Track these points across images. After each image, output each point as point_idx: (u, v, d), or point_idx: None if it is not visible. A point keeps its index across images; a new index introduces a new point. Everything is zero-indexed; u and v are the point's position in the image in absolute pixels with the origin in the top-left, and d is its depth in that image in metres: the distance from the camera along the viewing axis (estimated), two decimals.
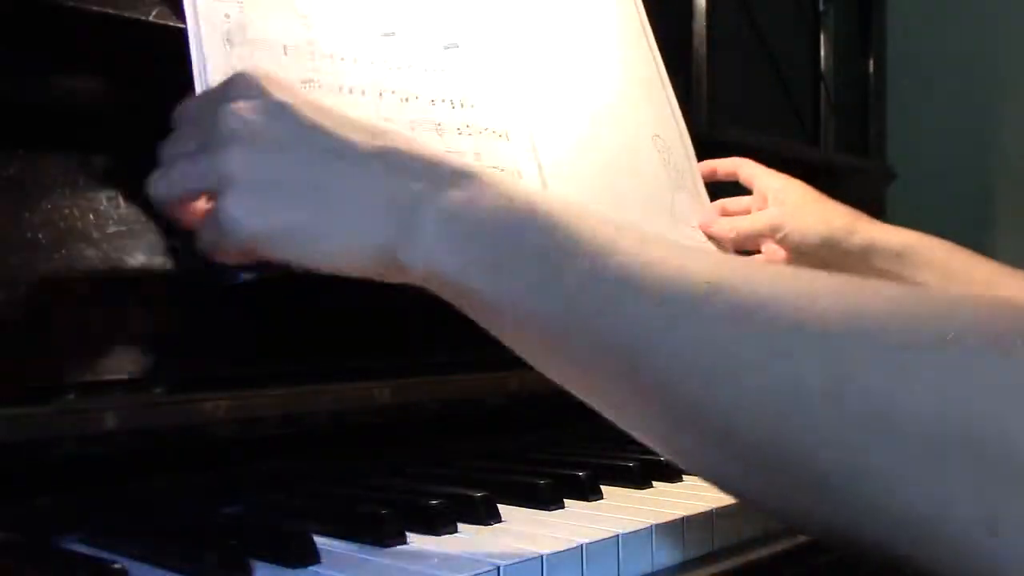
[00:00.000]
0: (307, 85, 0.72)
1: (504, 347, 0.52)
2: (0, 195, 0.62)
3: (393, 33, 0.78)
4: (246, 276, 0.60)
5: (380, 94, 0.76)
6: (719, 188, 1.03)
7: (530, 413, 0.83)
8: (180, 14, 0.69)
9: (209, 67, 0.68)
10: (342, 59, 0.75)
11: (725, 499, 0.64)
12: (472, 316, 0.53)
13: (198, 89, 0.66)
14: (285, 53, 0.72)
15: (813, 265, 0.82)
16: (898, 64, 1.73)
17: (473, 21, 0.86)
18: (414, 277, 0.53)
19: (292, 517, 0.61)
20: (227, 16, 0.70)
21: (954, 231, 1.84)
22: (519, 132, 0.85)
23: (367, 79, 0.75)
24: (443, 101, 0.80)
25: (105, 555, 0.53)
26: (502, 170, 0.82)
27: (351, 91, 0.74)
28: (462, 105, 0.81)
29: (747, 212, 1.06)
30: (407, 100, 0.77)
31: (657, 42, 1.03)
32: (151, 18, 0.70)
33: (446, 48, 0.82)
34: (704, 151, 1.02)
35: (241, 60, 0.69)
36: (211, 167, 0.54)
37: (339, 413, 0.70)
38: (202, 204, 0.58)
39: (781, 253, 1.04)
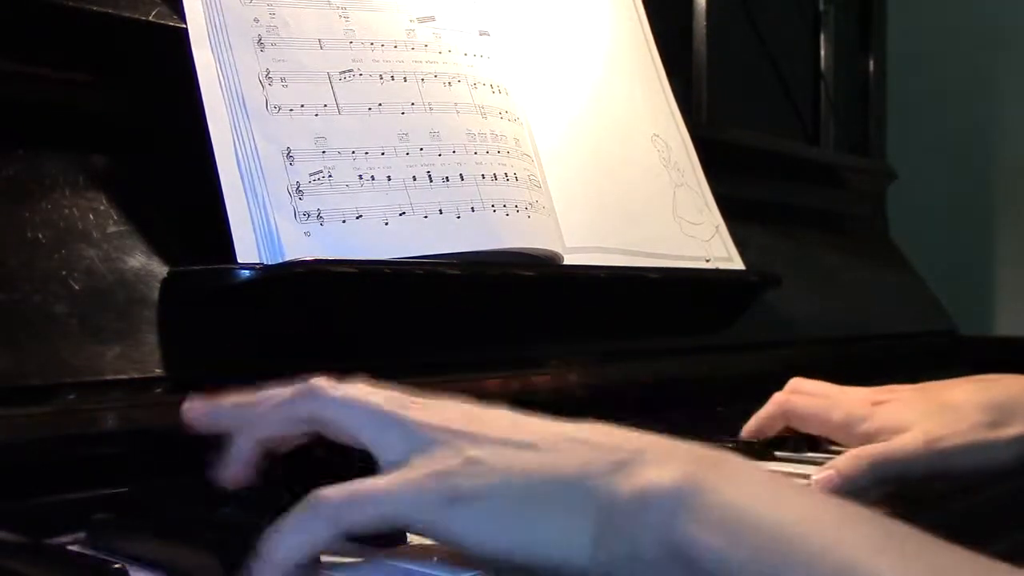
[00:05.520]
0: (346, 76, 0.72)
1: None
2: (0, 195, 0.62)
3: (432, 18, 0.79)
4: None
5: (423, 79, 0.76)
6: (719, 181, 1.03)
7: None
8: (180, 14, 0.70)
9: (240, 70, 0.69)
10: (382, 46, 0.75)
11: None
12: None
13: (215, 96, 0.67)
14: (321, 47, 0.73)
15: None
16: (898, 64, 1.73)
17: (500, 10, 0.87)
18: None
19: None
20: (256, 20, 0.71)
21: (954, 231, 1.85)
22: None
23: (408, 65, 0.76)
24: (484, 85, 0.80)
25: (105, 555, 0.53)
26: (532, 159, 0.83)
27: (392, 78, 0.75)
28: (500, 91, 0.82)
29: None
30: (450, 84, 0.78)
31: (657, 42, 1.03)
32: (151, 18, 0.70)
33: (480, 34, 0.83)
34: (704, 151, 1.02)
35: (275, 62, 0.70)
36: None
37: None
38: None
39: None
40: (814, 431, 0.84)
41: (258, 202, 0.67)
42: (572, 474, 0.47)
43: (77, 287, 0.61)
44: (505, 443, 0.49)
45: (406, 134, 0.74)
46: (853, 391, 0.84)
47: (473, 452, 0.49)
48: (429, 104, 0.76)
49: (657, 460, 0.46)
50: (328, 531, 0.48)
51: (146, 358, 0.62)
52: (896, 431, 0.76)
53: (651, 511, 0.45)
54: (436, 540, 0.50)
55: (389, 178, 0.72)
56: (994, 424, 0.76)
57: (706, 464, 0.46)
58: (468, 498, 0.47)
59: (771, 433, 0.85)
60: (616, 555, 0.45)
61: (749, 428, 0.85)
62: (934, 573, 0.42)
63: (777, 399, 0.85)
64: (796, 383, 0.86)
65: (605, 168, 0.91)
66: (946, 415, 0.77)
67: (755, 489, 0.45)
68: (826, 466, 0.73)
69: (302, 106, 0.71)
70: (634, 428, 0.50)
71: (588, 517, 0.46)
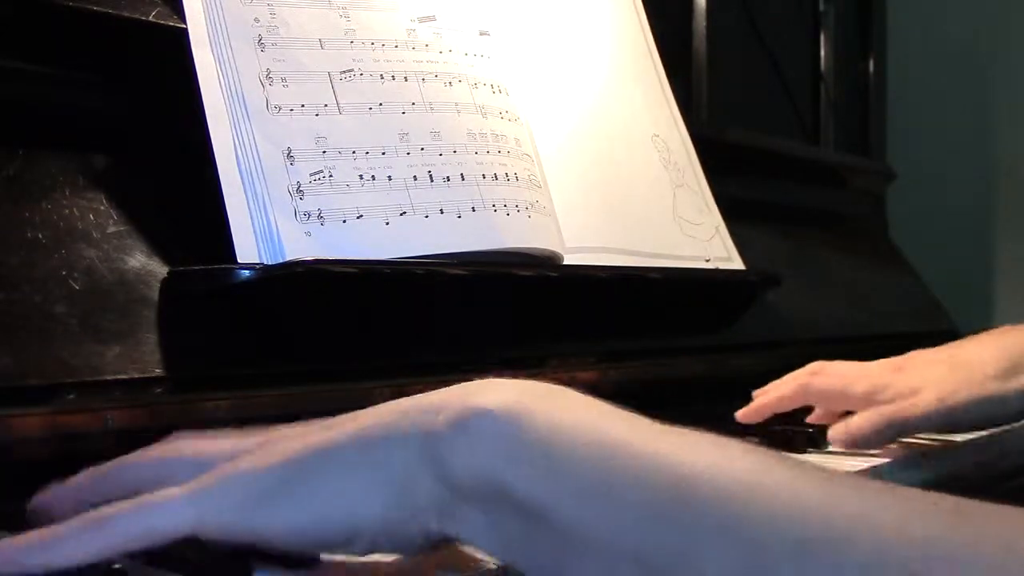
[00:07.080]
0: (347, 75, 0.72)
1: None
2: (0, 195, 0.62)
3: (433, 17, 0.79)
4: None
5: (423, 79, 0.76)
6: (719, 181, 1.03)
7: None
8: (180, 14, 0.70)
9: (240, 70, 0.69)
10: (383, 46, 0.75)
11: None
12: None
13: (215, 96, 0.67)
14: (321, 47, 0.73)
15: None
16: (898, 64, 1.73)
17: (500, 9, 0.87)
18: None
19: None
20: (256, 20, 0.71)
21: (954, 231, 1.85)
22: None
23: (409, 65, 0.76)
24: (484, 85, 0.80)
25: None
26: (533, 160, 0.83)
27: (393, 78, 0.75)
28: (501, 91, 0.82)
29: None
30: (450, 84, 0.78)
31: (657, 42, 1.03)
32: (151, 18, 0.70)
33: (480, 34, 0.83)
34: (704, 151, 1.02)
35: (275, 62, 0.70)
36: None
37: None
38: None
39: None
40: (836, 407, 0.85)
41: (258, 202, 0.67)
42: (355, 436, 0.43)
43: (77, 287, 0.61)
44: (307, 432, 0.45)
45: (407, 134, 0.74)
46: (874, 364, 0.86)
47: (273, 446, 0.45)
48: (430, 104, 0.76)
49: (481, 392, 0.43)
50: (98, 542, 0.43)
51: (146, 358, 0.62)
52: (914, 394, 0.79)
53: (471, 437, 0.41)
54: (224, 538, 0.45)
55: (390, 178, 0.72)
56: (1005, 375, 0.80)
57: (536, 391, 0.43)
58: (239, 482, 0.43)
59: (781, 411, 0.87)
60: (422, 500, 0.42)
61: (764, 404, 0.86)
62: (792, 474, 0.38)
63: (799, 379, 0.86)
64: (818, 365, 0.87)
65: (605, 168, 0.92)
66: (959, 372, 0.80)
67: (584, 412, 0.42)
68: (843, 422, 0.75)
69: (302, 106, 0.71)
70: None
71: (376, 473, 0.42)
